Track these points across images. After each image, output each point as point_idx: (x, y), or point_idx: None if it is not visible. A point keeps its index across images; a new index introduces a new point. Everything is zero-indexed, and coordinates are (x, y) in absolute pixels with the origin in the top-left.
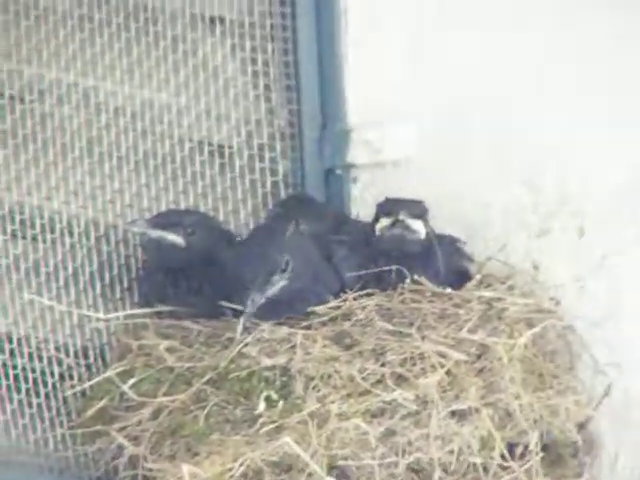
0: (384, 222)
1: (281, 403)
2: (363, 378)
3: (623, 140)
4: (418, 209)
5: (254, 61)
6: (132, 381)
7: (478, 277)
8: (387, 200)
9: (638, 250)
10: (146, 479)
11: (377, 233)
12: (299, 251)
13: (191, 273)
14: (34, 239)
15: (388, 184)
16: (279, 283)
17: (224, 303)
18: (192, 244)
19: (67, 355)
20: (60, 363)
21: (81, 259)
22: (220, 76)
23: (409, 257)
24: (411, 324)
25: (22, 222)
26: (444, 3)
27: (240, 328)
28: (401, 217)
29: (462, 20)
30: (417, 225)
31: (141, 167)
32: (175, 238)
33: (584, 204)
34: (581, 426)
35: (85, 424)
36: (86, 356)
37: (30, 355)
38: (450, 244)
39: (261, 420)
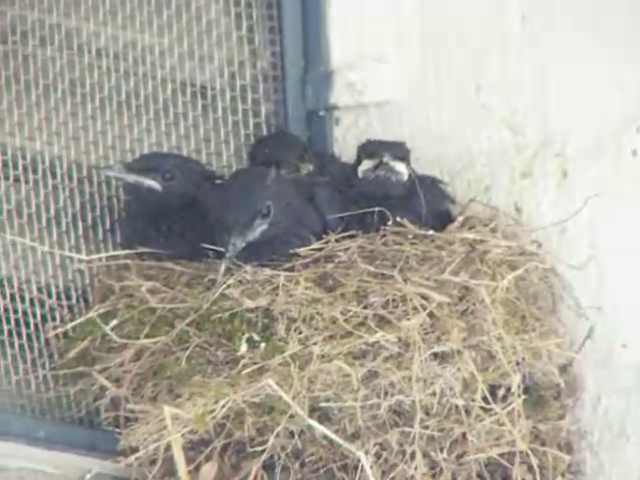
0: (367, 164)
1: (263, 345)
2: (345, 320)
3: (604, 82)
4: (401, 151)
5: (237, 2)
6: (114, 322)
7: (460, 219)
8: (369, 142)
9: (620, 193)
10: (128, 420)
11: (360, 175)
12: (280, 195)
13: (172, 216)
14: (16, 180)
15: (370, 126)
16: (260, 227)
17: (206, 245)
18: (170, 189)
19: (49, 296)
20: (42, 304)
21: (63, 200)
22: (203, 17)
23: (391, 199)
24: (393, 266)
25: (4, 163)
26: None
27: (222, 270)
28: (385, 159)
29: None
30: (400, 167)
31: (124, 108)
32: (152, 183)
33: (566, 147)
34: (563, 368)
35: (67, 365)
36: (68, 297)
37: (12, 296)
38: (432, 186)
39: (243, 362)
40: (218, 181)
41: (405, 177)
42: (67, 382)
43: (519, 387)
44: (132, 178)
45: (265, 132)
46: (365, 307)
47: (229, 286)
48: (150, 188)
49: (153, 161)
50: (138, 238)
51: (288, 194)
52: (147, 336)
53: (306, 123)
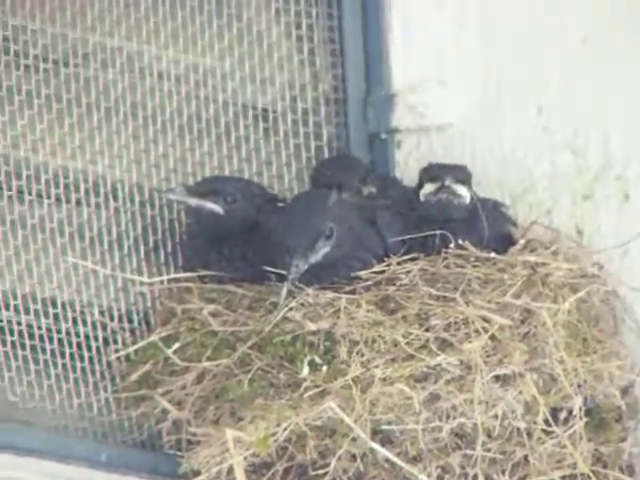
0: (429, 188)
1: (325, 368)
2: (407, 343)
3: None
4: (463, 174)
5: (298, 25)
6: (176, 345)
7: (522, 242)
8: (431, 165)
9: None
10: (190, 443)
11: (422, 198)
12: (342, 218)
13: (234, 239)
14: (78, 203)
15: (432, 149)
16: (322, 250)
17: (268, 268)
18: (232, 212)
19: (111, 319)
20: (104, 327)
21: (125, 223)
22: (264, 40)
23: (453, 222)
24: (455, 289)
25: (66, 186)
26: None
27: (284, 293)
28: (447, 183)
29: None
30: (462, 190)
31: (185, 131)
32: (214, 207)
33: (627, 169)
34: (625, 391)
35: (129, 388)
36: (130, 320)
37: (74, 319)
38: (494, 209)
39: (305, 384)
40: (280, 204)
41: (467, 200)
42: (129, 405)
43: (581, 410)
44: (194, 201)
45: (327, 155)
46: (427, 330)
47: (291, 309)
48: (212, 211)
49: (215, 184)
50: (200, 261)
51: (350, 217)
52: (209, 359)
53: (368, 146)
